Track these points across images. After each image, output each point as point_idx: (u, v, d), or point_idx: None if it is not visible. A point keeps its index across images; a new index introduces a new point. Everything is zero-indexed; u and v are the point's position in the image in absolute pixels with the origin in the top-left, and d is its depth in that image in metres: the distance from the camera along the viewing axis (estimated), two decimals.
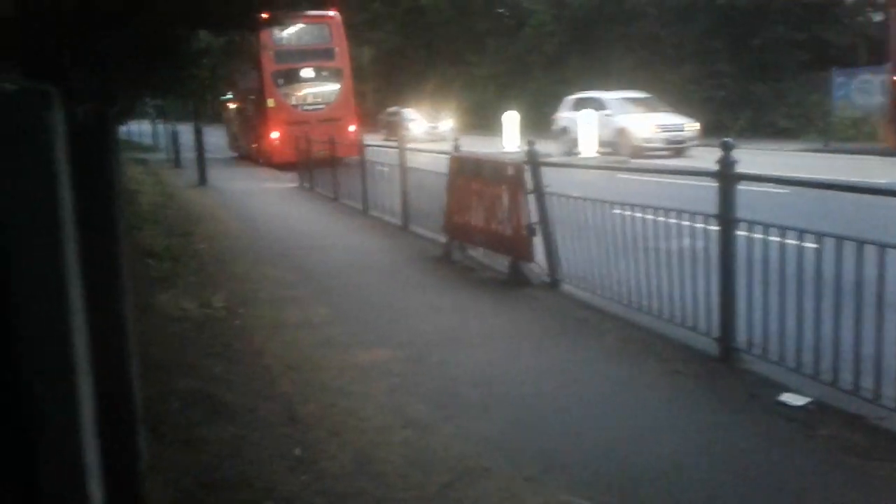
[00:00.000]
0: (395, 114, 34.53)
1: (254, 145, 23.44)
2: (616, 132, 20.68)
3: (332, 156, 13.83)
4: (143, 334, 4.87)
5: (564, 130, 22.60)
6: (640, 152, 19.57)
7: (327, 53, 21.37)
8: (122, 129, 28.94)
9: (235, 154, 26.58)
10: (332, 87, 21.51)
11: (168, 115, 30.70)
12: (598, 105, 21.57)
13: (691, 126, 21.34)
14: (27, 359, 0.71)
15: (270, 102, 20.59)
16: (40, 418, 0.73)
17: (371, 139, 13.17)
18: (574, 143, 21.03)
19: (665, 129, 20.69)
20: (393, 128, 31.21)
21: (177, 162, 22.70)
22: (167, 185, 17.20)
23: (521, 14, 40.05)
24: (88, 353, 1.05)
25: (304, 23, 20.32)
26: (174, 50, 9.40)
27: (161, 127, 30.21)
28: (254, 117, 22.84)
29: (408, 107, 35.32)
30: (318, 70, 21.40)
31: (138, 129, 34.63)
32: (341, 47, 21.76)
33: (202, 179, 17.65)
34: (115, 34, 5.12)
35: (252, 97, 22.73)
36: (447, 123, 32.05)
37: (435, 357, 5.09)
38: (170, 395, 4.17)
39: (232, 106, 27.23)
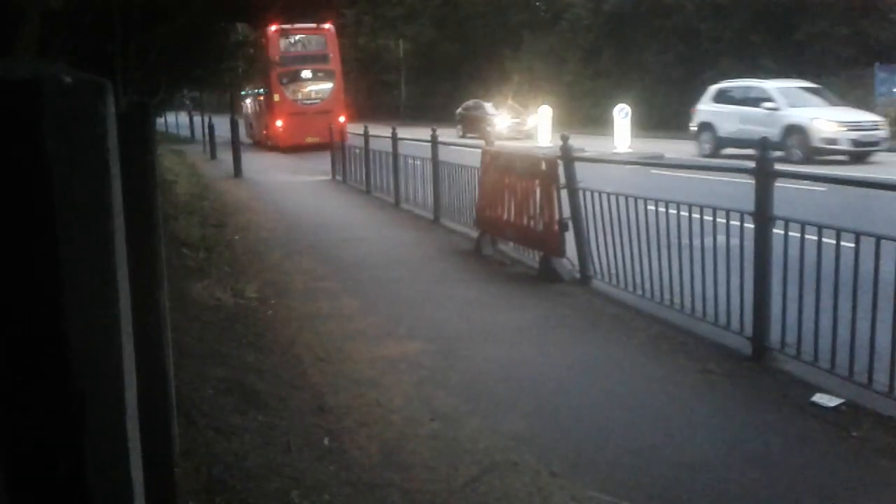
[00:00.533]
0: (476, 108, 30.80)
1: (264, 132, 27.82)
2: (785, 130, 16.68)
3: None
4: (177, 323, 4.96)
5: (706, 127, 19.48)
6: (817, 154, 16.20)
7: (323, 58, 25.81)
8: (160, 120, 29.45)
9: (250, 141, 29.42)
10: (326, 86, 26.11)
11: (204, 106, 31.11)
12: (758, 95, 18.24)
13: (884, 124, 17.19)
14: (76, 341, 0.74)
15: (276, 98, 25.25)
16: (85, 400, 0.75)
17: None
18: (718, 142, 18.05)
19: (853, 127, 16.59)
20: (471, 123, 28.69)
21: (213, 154, 22.99)
22: (202, 177, 17.43)
23: (557, 7, 39.75)
24: (132, 340, 1.08)
25: (304, 33, 24.07)
26: (214, 43, 9.53)
27: (197, 118, 30.64)
28: (263, 110, 27.48)
29: (487, 100, 31.77)
30: (314, 72, 25.85)
31: (175, 120, 35.12)
32: (334, 53, 26.22)
33: (237, 171, 17.85)
34: (160, 27, 5.21)
35: (262, 93, 27.21)
36: (533, 118, 26.45)
37: (464, 351, 5.10)
38: (203, 384, 4.24)
39: (247, 101, 30.77)
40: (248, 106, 31.02)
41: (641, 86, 30.83)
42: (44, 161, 0.69)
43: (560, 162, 7.09)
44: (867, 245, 4.08)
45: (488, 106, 30.38)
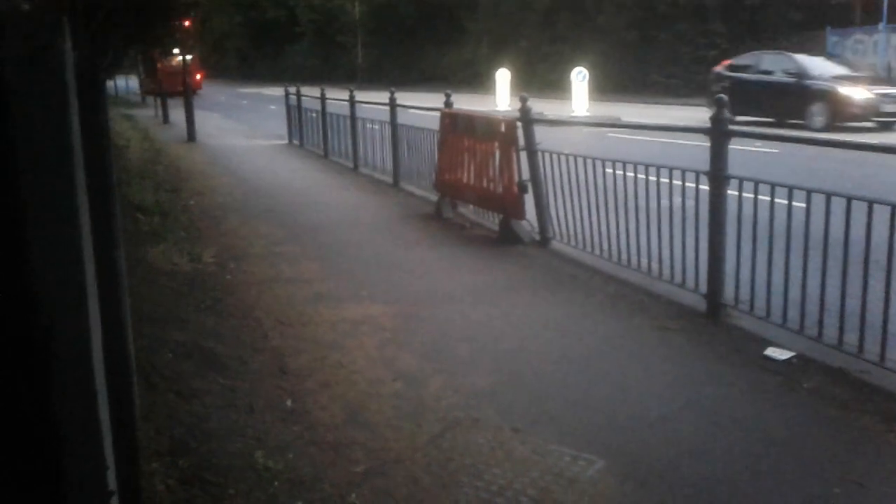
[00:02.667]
0: (774, 67, 18.44)
1: (150, 85, 32.18)
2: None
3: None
4: (134, 288, 4.88)
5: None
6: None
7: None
8: (110, 84, 28.69)
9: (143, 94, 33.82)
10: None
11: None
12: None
13: None
14: (42, 287, 0.72)
15: (158, 63, 28.87)
16: (52, 334, 0.74)
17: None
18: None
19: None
20: (757, 97, 17.91)
21: (165, 118, 22.46)
22: (155, 141, 17.04)
23: None
24: (98, 303, 1.06)
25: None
26: (163, 2, 9.24)
27: None
28: (150, 70, 31.91)
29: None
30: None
31: (126, 84, 34.17)
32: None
33: (191, 135, 17.48)
34: None
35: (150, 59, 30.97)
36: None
37: (426, 312, 5.12)
38: (162, 347, 4.19)
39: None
40: (142, 67, 35.51)
41: (598, 50, 30.84)
42: (2, 90, 0.67)
43: (519, 124, 7.09)
44: (818, 203, 4.18)
45: (816, 65, 18.11)
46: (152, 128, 20.69)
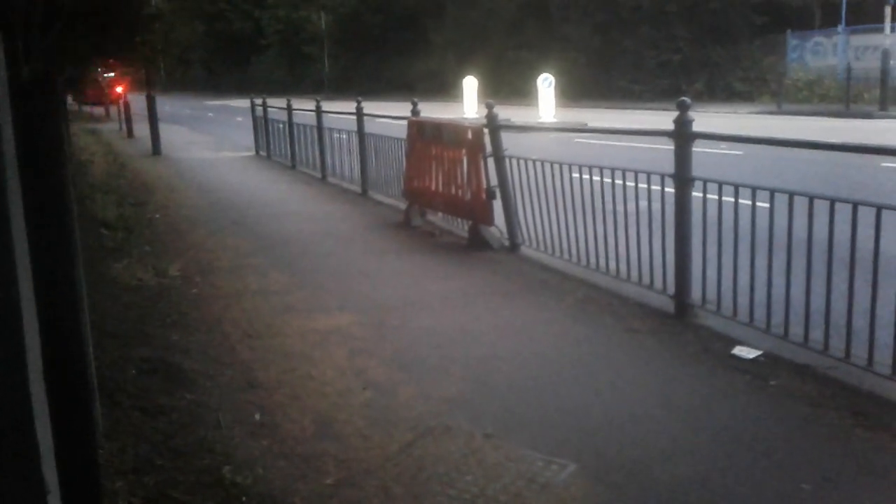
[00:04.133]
0: None
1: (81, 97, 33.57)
2: None
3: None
4: (97, 304, 4.79)
5: None
6: None
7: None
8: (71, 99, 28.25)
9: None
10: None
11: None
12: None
13: None
14: None
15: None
16: None
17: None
18: None
19: None
20: None
21: (129, 132, 22.19)
22: (120, 155, 16.81)
23: None
24: (36, 319, 1.02)
25: None
26: (125, 13, 9.14)
27: None
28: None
29: None
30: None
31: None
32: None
33: (156, 149, 17.28)
34: None
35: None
36: None
37: (395, 321, 5.09)
38: (126, 364, 4.11)
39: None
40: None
41: (564, 56, 31.13)
42: None
43: (486, 131, 7.10)
44: (781, 203, 4.23)
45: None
46: (116, 142, 20.43)
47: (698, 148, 4.91)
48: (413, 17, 43.07)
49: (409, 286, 5.96)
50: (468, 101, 25.04)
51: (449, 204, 7.71)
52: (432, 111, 11.50)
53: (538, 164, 6.37)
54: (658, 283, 5.13)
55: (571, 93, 28.44)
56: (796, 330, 4.15)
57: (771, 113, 22.46)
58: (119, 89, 28.10)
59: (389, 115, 10.60)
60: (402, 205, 8.71)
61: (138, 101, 21.66)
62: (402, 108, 9.94)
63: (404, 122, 8.69)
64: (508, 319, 5.08)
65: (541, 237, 6.48)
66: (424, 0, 42.41)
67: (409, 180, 8.40)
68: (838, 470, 3.06)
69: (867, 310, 3.73)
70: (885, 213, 3.71)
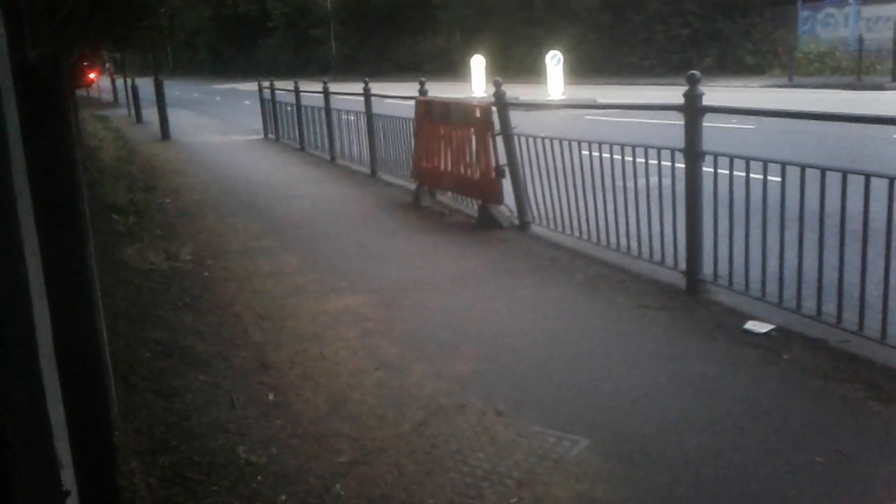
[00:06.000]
0: None
1: None
2: None
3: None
4: (110, 288, 4.82)
5: None
6: None
7: None
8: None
9: None
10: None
11: (127, 69, 30.05)
12: None
13: None
14: None
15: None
16: None
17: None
18: None
19: None
20: None
21: (138, 117, 22.22)
22: (129, 141, 16.85)
23: None
24: (47, 304, 1.02)
25: None
26: None
27: (120, 82, 29.58)
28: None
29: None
30: None
31: (97, 84, 33.78)
32: None
33: (165, 133, 17.30)
34: None
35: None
36: None
37: (407, 301, 5.10)
38: (140, 347, 4.14)
39: None
40: None
41: (573, 33, 30.86)
42: None
43: (494, 109, 7.06)
44: (793, 177, 4.19)
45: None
46: (125, 127, 20.47)
47: (709, 122, 4.87)
48: None
49: (420, 266, 5.96)
50: (476, 80, 24.90)
51: (458, 183, 7.69)
52: (440, 91, 11.45)
53: (547, 141, 6.34)
54: (669, 260, 5.11)
55: (581, 69, 28.23)
56: (809, 304, 4.13)
57: (782, 86, 22.22)
58: (92, 75, 29.20)
59: (397, 96, 10.55)
60: (412, 185, 8.70)
61: (146, 86, 21.67)
62: (410, 89, 9.90)
63: (412, 103, 8.66)
64: (519, 298, 5.08)
65: (551, 215, 6.45)
66: None
67: (417, 160, 8.38)
68: (852, 443, 3.05)
69: (880, 282, 3.70)
70: None
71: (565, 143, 6.09)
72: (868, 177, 3.79)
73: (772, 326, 4.20)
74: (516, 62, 33.57)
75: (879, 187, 3.73)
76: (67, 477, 0.82)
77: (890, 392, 3.43)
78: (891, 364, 3.67)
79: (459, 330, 4.51)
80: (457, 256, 6.20)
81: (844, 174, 3.91)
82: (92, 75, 29.21)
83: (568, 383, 3.72)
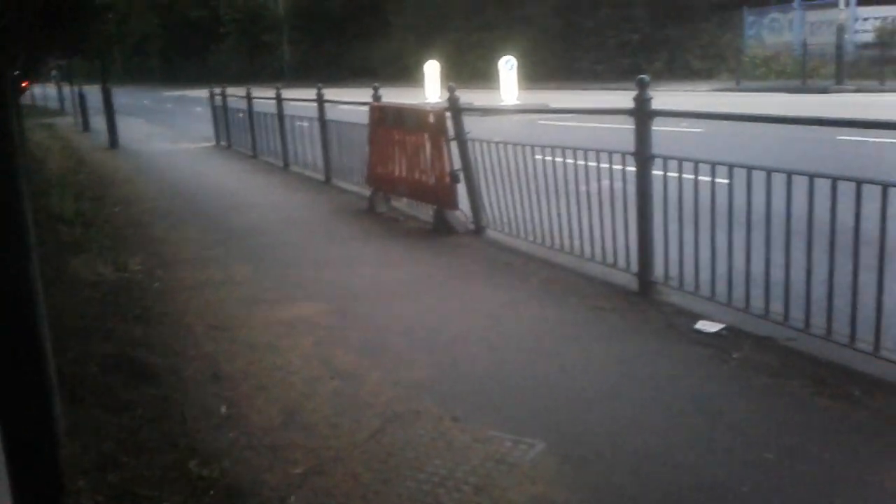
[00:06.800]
0: None
1: None
2: None
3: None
4: (55, 300, 4.70)
5: None
6: None
7: None
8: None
9: None
10: None
11: (75, 76, 29.36)
12: None
13: None
14: None
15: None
16: None
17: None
18: None
19: None
20: None
21: (85, 125, 21.74)
22: (76, 150, 16.48)
23: None
24: None
25: None
26: (77, 2, 8.92)
27: (67, 90, 28.91)
28: None
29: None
30: None
31: (42, 92, 33.01)
32: None
33: (113, 142, 16.96)
34: None
35: None
36: None
37: (362, 308, 5.07)
38: (88, 360, 4.04)
39: None
40: None
41: (526, 38, 31.09)
42: None
43: (448, 114, 7.07)
44: (741, 179, 4.28)
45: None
46: (73, 136, 20.02)
47: (659, 126, 4.94)
48: (373, 1, 42.70)
49: (375, 273, 5.93)
50: (430, 86, 24.95)
51: (413, 189, 7.68)
52: (395, 96, 11.42)
53: (501, 146, 6.37)
54: (622, 262, 5.17)
55: (534, 74, 28.44)
56: (757, 303, 4.21)
57: (730, 90, 22.70)
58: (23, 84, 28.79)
59: (351, 102, 10.51)
60: (367, 191, 8.66)
61: (94, 94, 21.23)
62: (364, 94, 9.86)
63: (366, 108, 8.62)
64: (474, 302, 5.08)
65: (505, 219, 6.49)
66: None
67: (372, 166, 8.35)
68: (800, 438, 3.12)
69: (825, 280, 3.80)
70: (840, 183, 3.77)
71: (518, 148, 6.13)
72: (811, 177, 3.89)
73: (722, 326, 4.27)
74: (470, 67, 33.70)
75: (823, 188, 3.82)
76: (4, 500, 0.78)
77: (835, 388, 3.51)
78: (836, 360, 3.77)
79: (415, 336, 4.50)
80: (412, 262, 6.19)
81: (789, 175, 4.00)
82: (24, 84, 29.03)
83: (524, 386, 3.73)
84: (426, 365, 4.06)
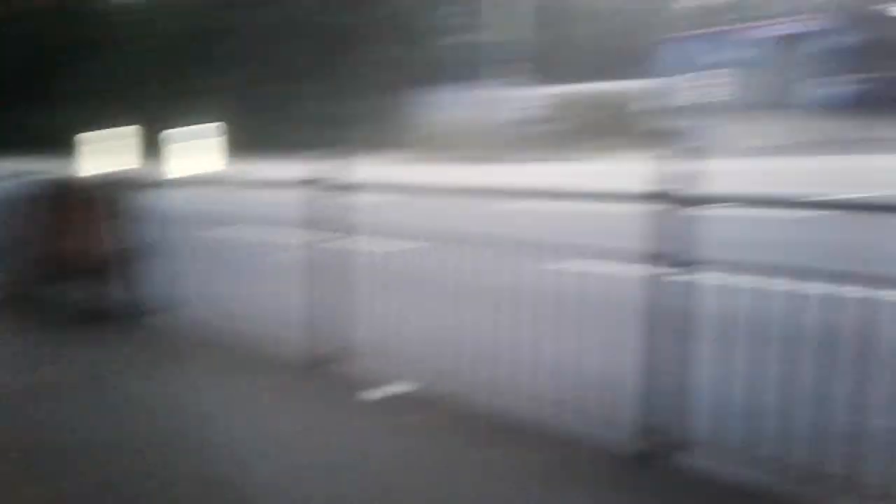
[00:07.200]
0: None
1: None
2: None
3: None
4: None
5: None
6: None
7: None
8: None
9: None
10: None
11: None
12: None
13: None
14: None
15: None
16: None
17: None
18: None
19: None
20: None
21: None
22: None
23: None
24: None
25: None
26: None
27: None
28: None
29: None
30: None
31: None
32: None
33: None
34: None
35: None
36: None
37: None
38: None
39: None
40: None
41: (225, 108, 30.58)
42: None
43: (118, 189, 6.64)
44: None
45: None
46: None
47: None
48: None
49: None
50: (98, 157, 23.28)
51: (78, 268, 6.98)
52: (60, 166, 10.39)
53: (174, 221, 6.09)
54: (293, 335, 5.12)
55: (237, 144, 27.91)
56: (433, 365, 4.41)
57: (417, 161, 24.22)
58: None
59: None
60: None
61: None
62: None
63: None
64: (136, 394, 4.70)
65: (185, 301, 6.12)
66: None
67: (32, 246, 7.46)
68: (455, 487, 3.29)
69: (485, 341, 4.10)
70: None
71: (190, 221, 5.90)
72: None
73: (394, 390, 4.43)
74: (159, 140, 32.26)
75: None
76: None
77: (488, 438, 3.81)
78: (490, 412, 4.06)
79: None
80: (56, 358, 5.49)
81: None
82: None
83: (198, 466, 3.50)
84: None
